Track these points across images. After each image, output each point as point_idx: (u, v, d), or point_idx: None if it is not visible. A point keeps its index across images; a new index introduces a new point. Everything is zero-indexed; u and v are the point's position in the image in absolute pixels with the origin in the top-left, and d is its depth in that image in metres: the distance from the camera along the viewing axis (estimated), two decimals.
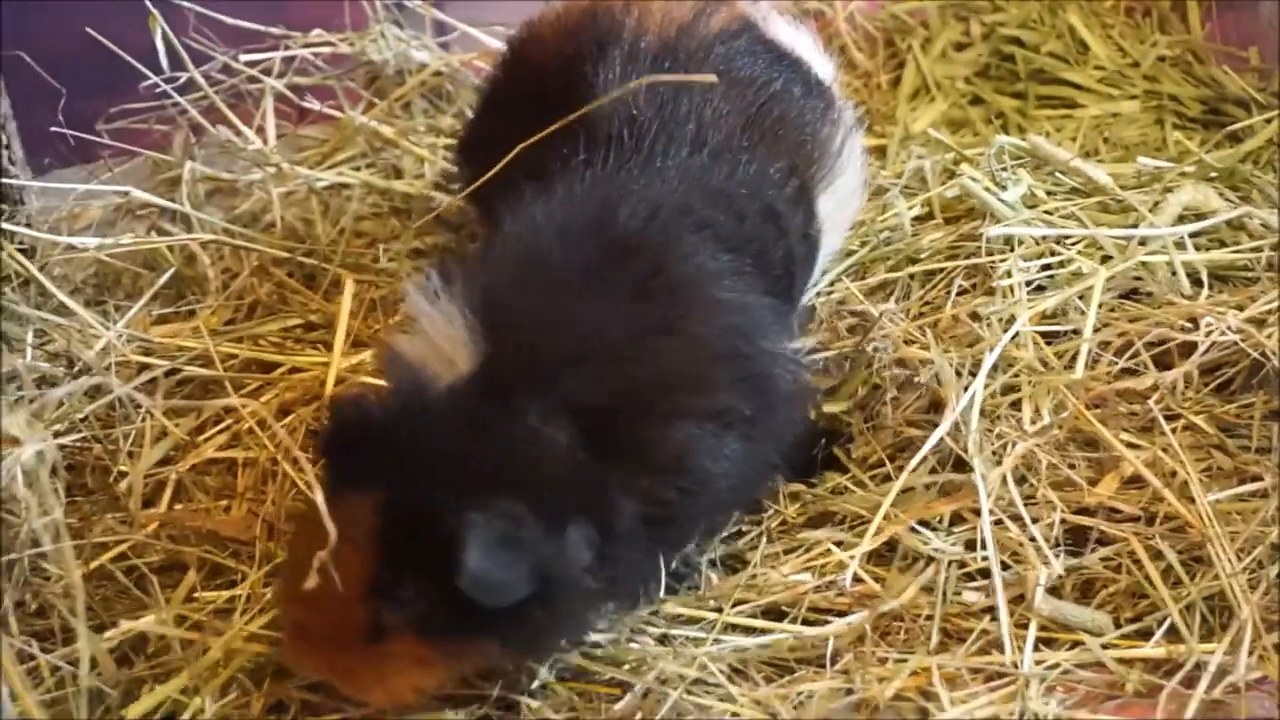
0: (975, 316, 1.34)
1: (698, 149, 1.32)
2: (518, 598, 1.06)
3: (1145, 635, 1.17)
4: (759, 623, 1.21)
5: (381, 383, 1.21)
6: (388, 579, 1.06)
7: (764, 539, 1.29)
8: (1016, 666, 1.14)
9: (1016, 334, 1.30)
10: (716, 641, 1.19)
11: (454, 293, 1.16)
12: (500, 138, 1.30)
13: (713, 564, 1.28)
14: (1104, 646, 1.16)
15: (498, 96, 1.46)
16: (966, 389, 1.27)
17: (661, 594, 1.24)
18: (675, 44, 1.37)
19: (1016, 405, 1.29)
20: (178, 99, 1.48)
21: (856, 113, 1.45)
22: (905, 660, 1.16)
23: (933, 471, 1.27)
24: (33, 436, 0.99)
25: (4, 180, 1.37)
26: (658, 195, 1.27)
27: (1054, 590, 1.19)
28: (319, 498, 1.02)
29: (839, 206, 1.40)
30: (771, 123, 1.38)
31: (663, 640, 1.21)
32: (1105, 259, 1.35)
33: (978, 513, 1.22)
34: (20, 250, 1.39)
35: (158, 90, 1.49)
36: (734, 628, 1.21)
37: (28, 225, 1.42)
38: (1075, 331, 1.32)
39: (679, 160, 1.31)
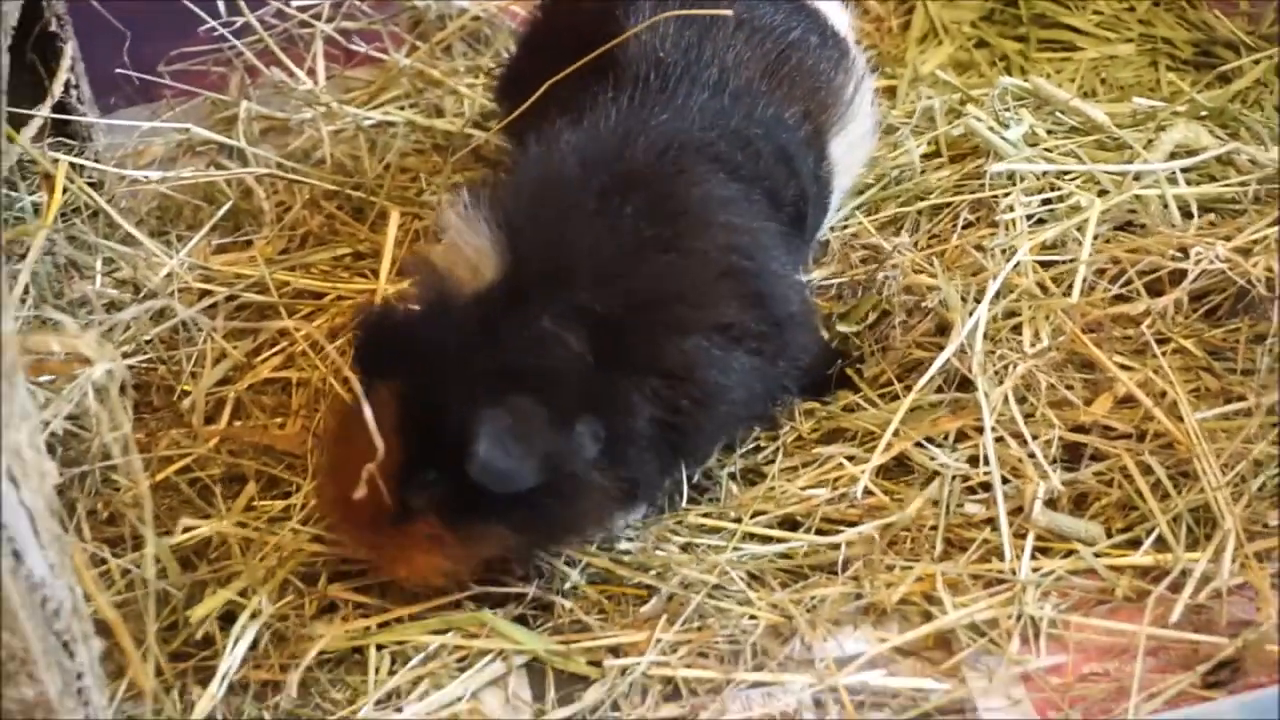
0: (980, 248, 1.34)
1: (718, 92, 1.31)
2: (525, 486, 1.08)
3: (1135, 545, 1.17)
4: (775, 532, 1.22)
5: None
6: (411, 467, 1.08)
7: (780, 454, 1.29)
8: (1014, 573, 1.15)
9: (1018, 263, 1.29)
10: (736, 549, 1.20)
11: (482, 209, 1.17)
12: (536, 76, 1.31)
13: (732, 477, 1.28)
14: (1096, 555, 1.17)
15: (535, 37, 1.46)
16: (971, 314, 1.26)
17: (684, 504, 1.25)
18: None
19: (1017, 329, 1.29)
20: (234, 42, 1.49)
21: (869, 59, 1.43)
22: (911, 567, 1.17)
23: (939, 391, 1.27)
24: (103, 356, 0.99)
25: (73, 118, 1.38)
26: (675, 130, 1.27)
27: (1050, 503, 1.19)
28: (357, 395, 1.03)
29: (850, 150, 1.39)
30: (789, 70, 1.36)
31: (685, 548, 1.21)
32: (1102, 193, 1.34)
33: (981, 430, 1.21)
34: (89, 184, 1.39)
35: (215, 34, 1.49)
36: (752, 537, 1.21)
37: (95, 160, 1.42)
38: (1072, 261, 1.31)
39: (699, 100, 1.30)
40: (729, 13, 1.30)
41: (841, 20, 1.45)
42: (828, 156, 1.38)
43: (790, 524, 1.23)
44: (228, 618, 1.16)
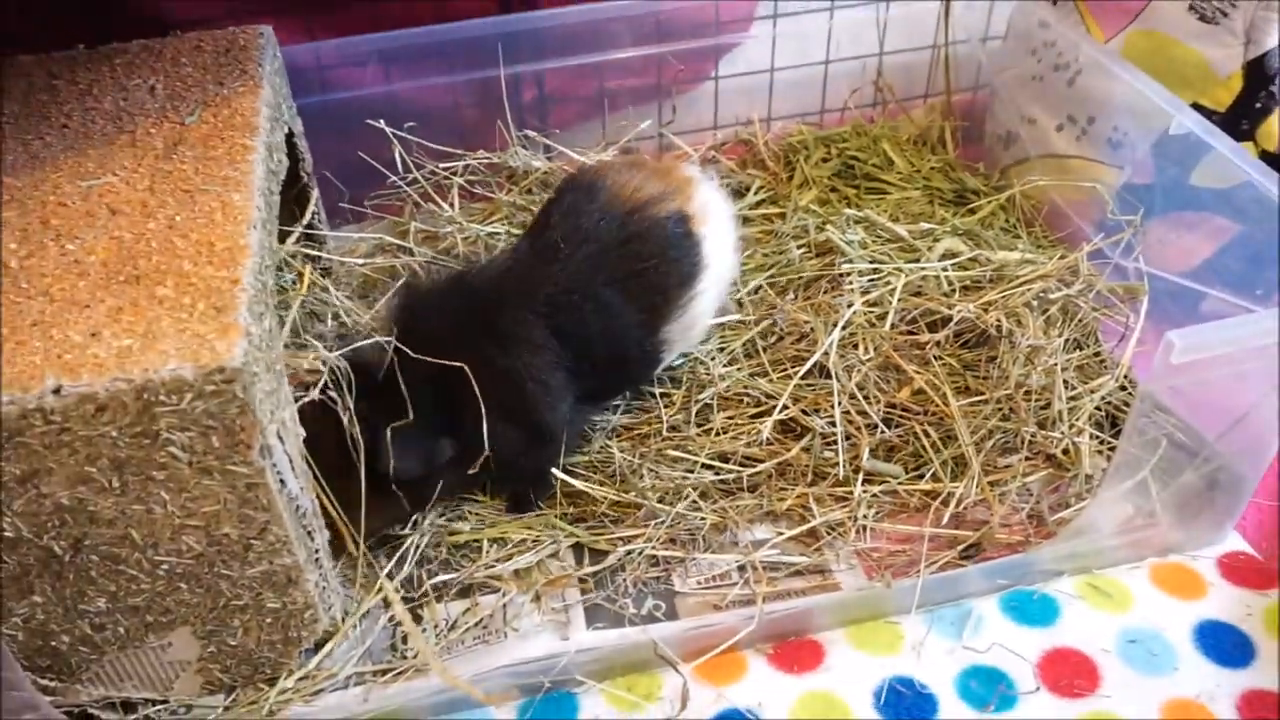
0: (833, 302, 1.33)
1: (586, 276, 1.16)
2: (412, 476, 1.06)
3: (921, 478, 1.18)
4: (715, 464, 1.20)
5: None
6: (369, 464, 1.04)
7: (716, 409, 1.26)
8: (852, 494, 1.16)
9: (854, 309, 1.30)
10: (692, 474, 1.19)
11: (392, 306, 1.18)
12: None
13: (688, 424, 1.25)
14: (899, 484, 1.17)
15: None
16: (828, 335, 1.27)
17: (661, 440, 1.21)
18: (623, 215, 1.19)
19: (855, 345, 1.28)
20: (406, 189, 1.49)
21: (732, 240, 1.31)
22: (792, 489, 1.18)
23: (808, 378, 1.26)
24: (328, 357, 1.02)
25: (315, 232, 1.38)
26: (545, 289, 1.15)
27: (873, 452, 1.19)
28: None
29: (683, 332, 1.25)
30: (642, 287, 1.18)
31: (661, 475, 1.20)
32: (900, 271, 1.35)
33: (833, 405, 1.21)
34: (323, 269, 1.41)
35: (395, 184, 1.49)
36: (704, 466, 1.20)
37: (327, 254, 1.43)
38: (883, 316, 1.30)
39: (572, 276, 1.16)
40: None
41: (718, 212, 1.28)
42: (659, 338, 1.22)
43: (723, 458, 1.21)
44: None
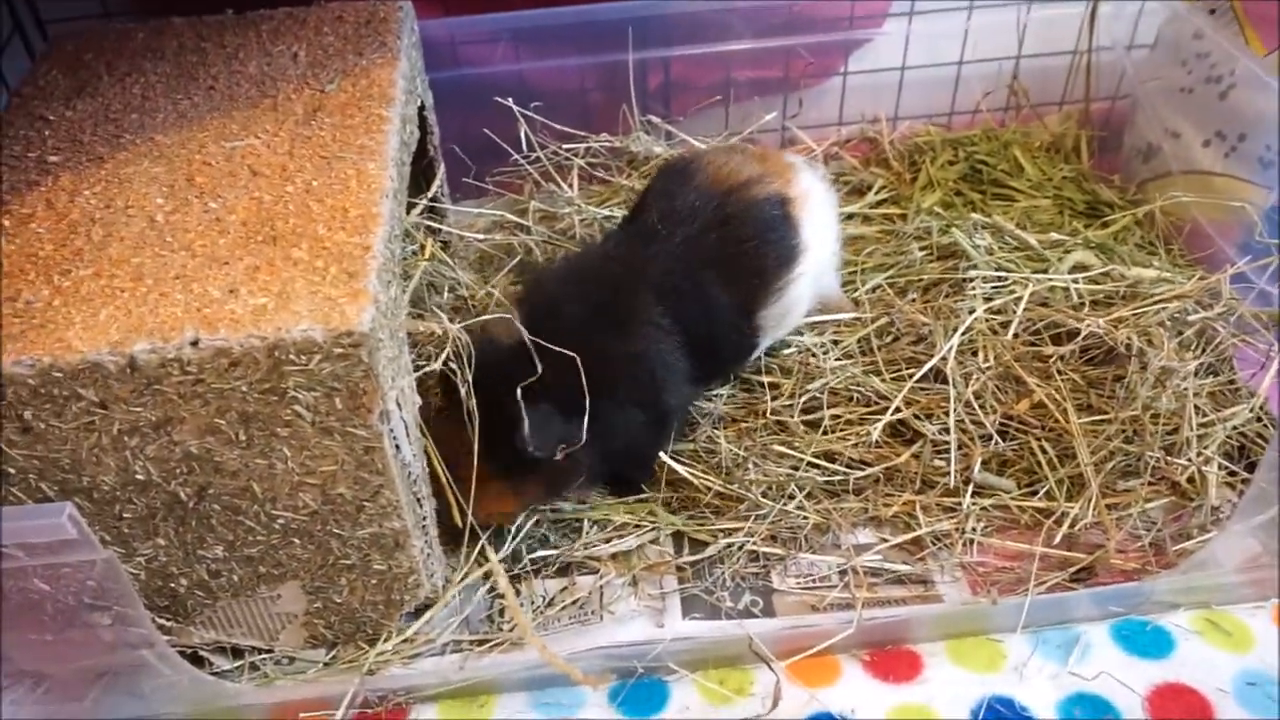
0: (952, 307, 1.31)
1: (688, 259, 1.15)
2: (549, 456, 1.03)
3: (1033, 494, 1.15)
4: (821, 463, 1.18)
5: None
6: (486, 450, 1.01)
7: (825, 404, 1.24)
8: (961, 505, 1.14)
9: (976, 314, 1.26)
10: (797, 470, 1.17)
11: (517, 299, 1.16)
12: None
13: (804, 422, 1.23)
14: (1010, 499, 1.15)
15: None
16: (948, 340, 1.24)
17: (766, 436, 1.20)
18: (721, 196, 1.18)
19: (974, 352, 1.25)
20: (528, 168, 1.50)
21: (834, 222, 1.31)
22: (899, 494, 1.16)
23: (923, 382, 1.23)
24: (451, 329, 1.03)
25: (439, 205, 1.40)
26: (652, 270, 1.14)
27: (984, 464, 1.17)
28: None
29: (780, 317, 1.23)
30: (738, 268, 1.17)
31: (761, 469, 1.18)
32: (1026, 281, 1.31)
33: (947, 411, 1.19)
34: (443, 243, 1.42)
35: (517, 161, 1.50)
36: (810, 465, 1.18)
37: (449, 228, 1.45)
38: (1006, 324, 1.28)
39: (671, 257, 1.15)
40: None
41: (820, 198, 1.27)
42: (756, 324, 1.21)
43: (829, 457, 1.19)
44: None
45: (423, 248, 1.22)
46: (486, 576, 1.11)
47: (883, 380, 1.25)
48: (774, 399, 1.26)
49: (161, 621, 1.00)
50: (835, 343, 1.31)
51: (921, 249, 1.40)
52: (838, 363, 1.28)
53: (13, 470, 0.88)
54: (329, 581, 1.01)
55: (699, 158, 1.24)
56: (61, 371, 0.83)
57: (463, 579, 1.09)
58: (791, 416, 1.23)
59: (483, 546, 1.10)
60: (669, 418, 1.15)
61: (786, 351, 1.31)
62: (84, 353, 0.83)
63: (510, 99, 1.46)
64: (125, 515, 0.93)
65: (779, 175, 1.22)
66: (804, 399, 1.24)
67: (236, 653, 1.06)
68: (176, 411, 0.87)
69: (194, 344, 0.84)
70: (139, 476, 0.90)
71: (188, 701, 0.99)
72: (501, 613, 1.09)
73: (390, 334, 0.92)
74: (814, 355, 1.29)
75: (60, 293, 0.89)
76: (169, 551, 0.96)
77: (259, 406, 0.87)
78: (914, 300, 1.34)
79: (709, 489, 1.17)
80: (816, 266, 1.25)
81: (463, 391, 1.02)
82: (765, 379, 1.28)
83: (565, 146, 1.51)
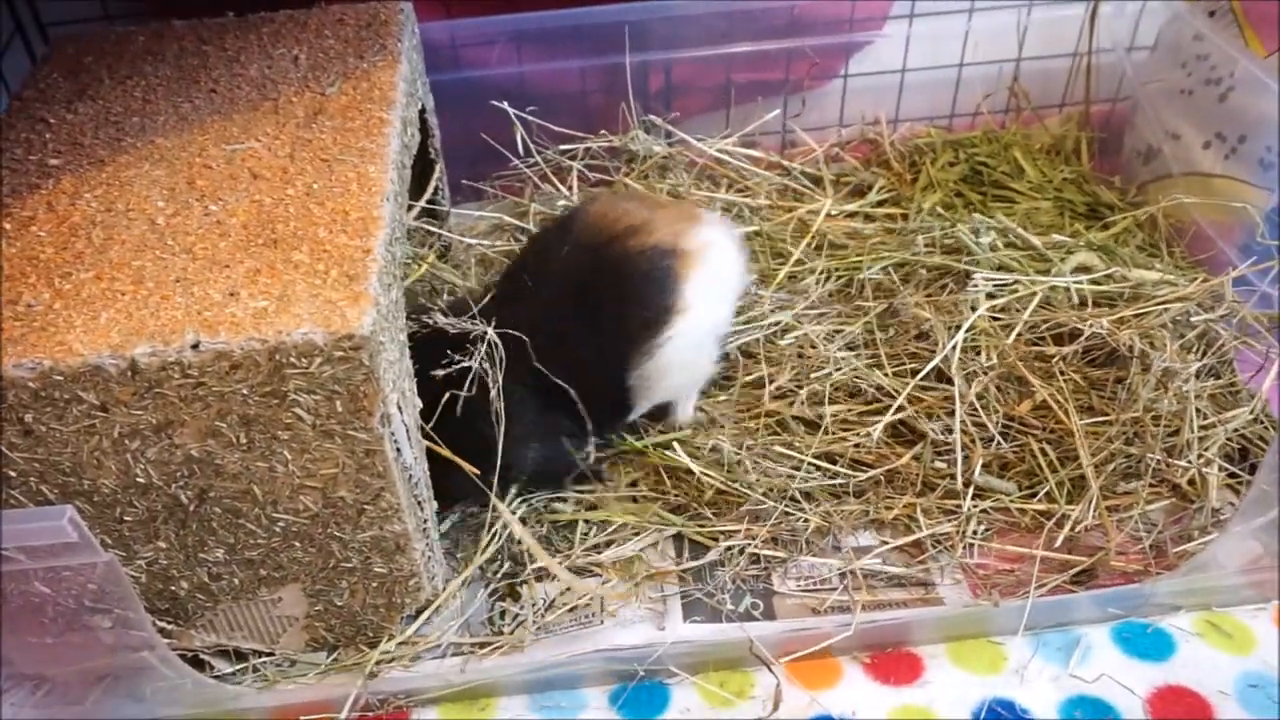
0: (954, 303, 1.30)
1: (551, 313, 1.10)
2: None
3: (1033, 496, 1.15)
4: (822, 464, 1.18)
5: None
6: None
7: (826, 400, 1.23)
8: (961, 508, 1.13)
9: (980, 312, 1.25)
10: (799, 473, 1.17)
11: None
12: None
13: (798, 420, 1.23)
14: (1010, 501, 1.14)
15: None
16: (952, 338, 1.22)
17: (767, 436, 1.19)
18: (596, 247, 1.12)
19: (976, 351, 1.24)
20: (526, 171, 1.50)
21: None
22: (900, 497, 1.15)
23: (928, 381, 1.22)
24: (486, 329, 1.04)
25: (437, 207, 1.39)
26: (524, 313, 1.09)
27: (985, 466, 1.16)
28: None
29: (655, 380, 1.15)
30: (605, 327, 1.11)
31: (768, 472, 1.18)
32: (1032, 283, 1.30)
33: (952, 412, 1.18)
34: (443, 245, 1.43)
35: (516, 165, 1.50)
36: (813, 467, 1.18)
37: (448, 232, 1.45)
38: (1008, 326, 1.26)
39: (533, 312, 1.10)
40: None
41: (720, 257, 1.17)
42: (626, 383, 1.14)
43: (830, 458, 1.18)
44: None
45: (420, 260, 1.21)
46: (485, 576, 1.11)
47: (885, 375, 1.24)
48: (775, 394, 1.25)
49: (162, 624, 1.00)
50: (837, 332, 1.30)
51: (926, 244, 1.39)
52: (840, 355, 1.26)
53: (13, 473, 0.88)
54: (330, 584, 1.01)
55: (588, 204, 1.18)
56: (62, 374, 0.83)
57: (463, 580, 1.09)
58: (791, 415, 1.23)
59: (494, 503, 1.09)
60: (507, 474, 1.09)
61: (785, 341, 1.29)
62: (85, 356, 0.83)
63: (507, 101, 1.46)
64: (126, 518, 0.93)
65: (670, 225, 1.13)
66: (805, 390, 1.23)
67: (237, 655, 1.05)
68: (177, 414, 0.86)
69: (195, 347, 0.84)
70: (140, 479, 0.90)
71: (188, 704, 0.99)
72: (503, 615, 1.09)
73: (391, 337, 0.92)
74: (814, 345, 1.28)
75: (61, 296, 0.89)
76: (170, 554, 0.96)
77: (260, 409, 0.87)
78: (914, 291, 1.32)
79: (710, 487, 1.16)
80: (700, 330, 1.15)
81: (493, 392, 1.02)
82: (766, 370, 1.27)
83: (563, 148, 1.50)
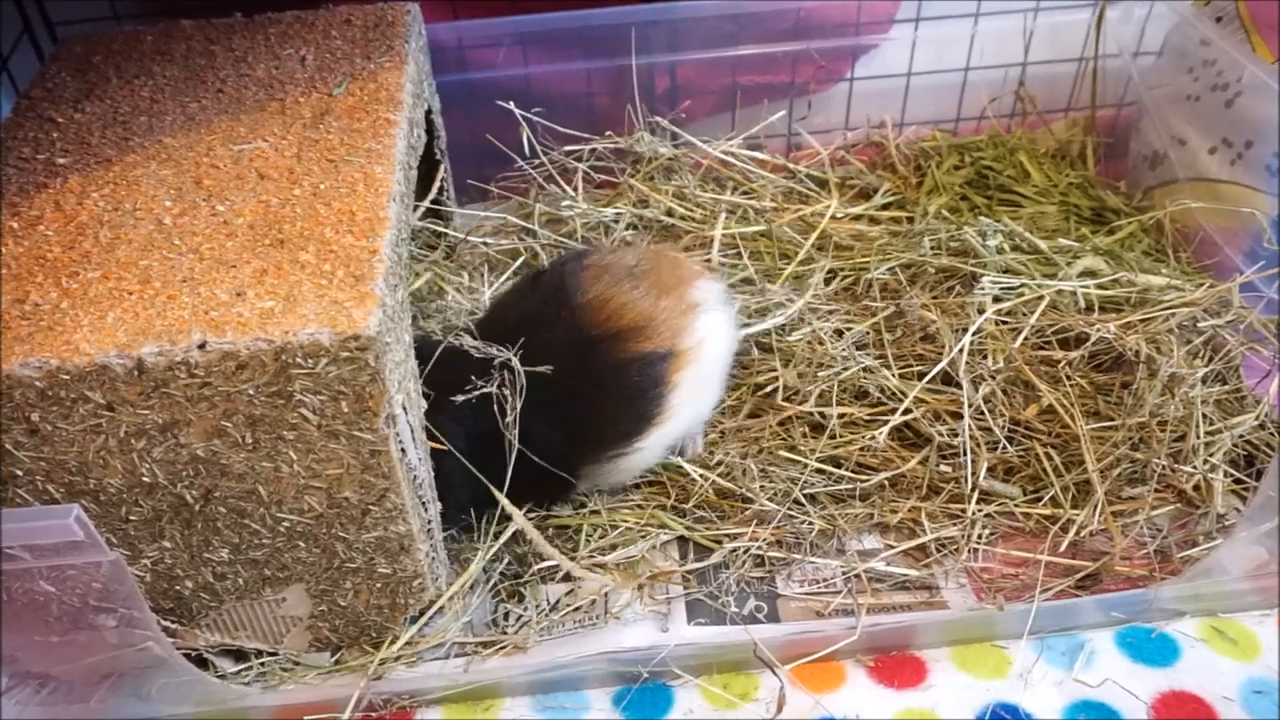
0: (960, 306, 1.29)
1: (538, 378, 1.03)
2: None
3: (1038, 501, 1.14)
4: (827, 468, 1.18)
5: None
6: None
7: (834, 403, 1.22)
8: (966, 512, 1.13)
9: (986, 315, 1.24)
10: (803, 478, 1.16)
11: None
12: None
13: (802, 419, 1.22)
14: (1015, 505, 1.14)
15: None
16: (959, 341, 1.21)
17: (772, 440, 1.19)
18: (589, 341, 1.08)
19: (983, 354, 1.23)
20: (531, 172, 1.49)
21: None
22: (905, 500, 1.15)
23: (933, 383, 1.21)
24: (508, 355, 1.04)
25: (442, 208, 1.40)
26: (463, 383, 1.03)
27: (990, 470, 1.16)
28: None
29: (608, 477, 1.15)
30: (579, 421, 1.08)
31: (772, 476, 1.18)
32: (1039, 287, 1.29)
33: (958, 415, 1.17)
34: (448, 245, 1.43)
35: (521, 166, 1.49)
36: (818, 471, 1.18)
37: (453, 232, 1.46)
38: (1016, 330, 1.25)
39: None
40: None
41: (712, 347, 1.14)
42: (580, 472, 1.12)
43: (835, 462, 1.18)
44: None
45: (416, 275, 1.21)
46: (491, 581, 1.10)
47: (892, 375, 1.23)
48: (780, 393, 1.24)
49: (167, 623, 0.99)
50: (842, 331, 1.29)
51: (932, 247, 1.39)
52: (846, 354, 1.25)
53: (20, 472, 0.87)
54: (334, 584, 1.01)
55: (581, 275, 1.12)
56: (69, 374, 0.83)
57: (466, 581, 1.09)
58: (796, 416, 1.22)
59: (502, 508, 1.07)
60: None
61: (794, 337, 1.29)
62: (91, 355, 0.83)
63: (513, 102, 1.46)
64: (131, 517, 0.93)
65: (670, 320, 1.09)
66: (813, 390, 1.23)
67: (241, 655, 1.05)
68: (183, 414, 0.86)
69: (201, 347, 0.83)
70: (145, 479, 0.90)
71: (193, 703, 0.99)
72: (506, 616, 1.09)
73: (397, 338, 0.91)
74: (822, 342, 1.27)
75: (68, 295, 0.89)
76: (175, 554, 0.96)
77: (265, 410, 0.87)
78: (921, 293, 1.32)
79: (710, 490, 1.17)
80: (673, 435, 1.14)
81: (509, 418, 1.01)
82: (779, 362, 1.26)
83: (569, 149, 1.50)
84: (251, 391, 0.86)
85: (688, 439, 1.22)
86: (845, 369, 1.24)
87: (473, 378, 1.03)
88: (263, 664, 1.05)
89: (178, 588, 0.99)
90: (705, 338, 1.12)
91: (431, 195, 1.31)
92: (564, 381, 1.04)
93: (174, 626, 1.00)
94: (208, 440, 0.88)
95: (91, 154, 1.07)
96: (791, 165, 1.59)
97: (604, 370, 1.07)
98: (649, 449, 1.13)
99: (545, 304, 1.10)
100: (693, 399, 1.13)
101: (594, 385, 1.06)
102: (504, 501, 1.07)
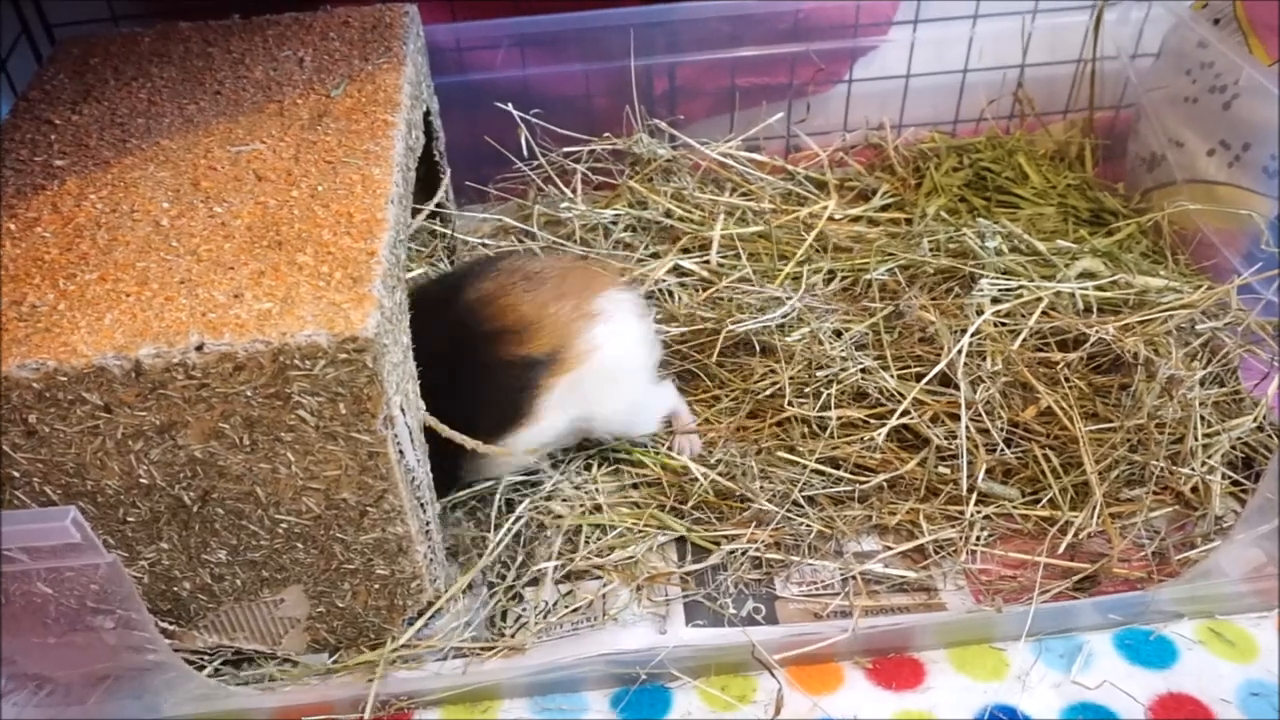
0: (958, 307, 1.28)
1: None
2: None
3: (1036, 503, 1.14)
4: (826, 468, 1.18)
5: None
6: None
7: (833, 404, 1.22)
8: (964, 514, 1.13)
9: (985, 316, 1.24)
10: (801, 479, 1.16)
11: None
12: None
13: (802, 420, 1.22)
14: (1014, 507, 1.14)
15: None
16: (957, 342, 1.21)
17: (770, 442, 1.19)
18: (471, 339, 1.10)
19: (982, 356, 1.22)
20: (529, 174, 1.49)
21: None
22: (903, 502, 1.15)
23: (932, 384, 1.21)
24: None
25: (442, 210, 1.39)
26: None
27: (989, 472, 1.16)
28: None
29: (488, 467, 1.15)
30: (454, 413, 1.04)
31: (771, 477, 1.17)
32: (1038, 288, 1.29)
33: (956, 417, 1.16)
34: (447, 246, 1.43)
35: (519, 167, 1.49)
36: (815, 473, 1.18)
37: (453, 234, 1.45)
38: (1015, 332, 1.25)
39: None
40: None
41: (615, 361, 1.13)
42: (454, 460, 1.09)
43: (834, 462, 1.18)
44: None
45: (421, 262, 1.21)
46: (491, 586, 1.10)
47: (891, 376, 1.23)
48: (775, 393, 1.24)
49: (165, 625, 1.00)
50: (840, 332, 1.29)
51: (931, 248, 1.38)
52: (845, 356, 1.25)
53: (17, 474, 0.87)
54: (332, 586, 1.01)
55: (484, 273, 1.13)
56: (66, 375, 0.83)
57: (464, 583, 1.09)
58: (796, 420, 1.22)
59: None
60: None
61: (793, 338, 1.28)
62: (89, 357, 0.83)
63: (512, 104, 1.45)
64: (129, 519, 0.92)
65: (554, 328, 1.09)
66: (810, 390, 1.23)
67: (239, 656, 1.05)
68: (181, 416, 0.86)
69: (199, 348, 0.83)
70: (143, 480, 0.90)
71: (190, 704, 0.99)
72: (504, 617, 1.09)
73: (395, 339, 0.91)
74: (821, 342, 1.27)
75: (65, 296, 0.89)
76: (172, 555, 0.96)
77: (263, 411, 0.87)
78: (920, 294, 1.31)
79: (713, 491, 1.16)
80: (543, 435, 1.13)
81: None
82: (783, 362, 1.26)
83: (567, 151, 1.50)
84: (249, 393, 0.86)
85: (685, 440, 1.22)
86: (844, 369, 1.23)
87: None
88: (260, 665, 1.05)
89: (175, 589, 0.98)
90: (598, 346, 1.11)
91: (437, 198, 1.30)
92: (445, 372, 1.03)
93: (172, 628, 1.00)
94: (205, 442, 0.88)
95: (89, 156, 1.07)
96: (790, 167, 1.59)
97: (477, 366, 1.07)
98: (512, 449, 1.11)
99: (442, 294, 1.11)
100: (576, 405, 1.12)
101: (467, 379, 1.06)
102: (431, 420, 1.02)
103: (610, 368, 1.13)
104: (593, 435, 1.20)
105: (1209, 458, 1.15)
